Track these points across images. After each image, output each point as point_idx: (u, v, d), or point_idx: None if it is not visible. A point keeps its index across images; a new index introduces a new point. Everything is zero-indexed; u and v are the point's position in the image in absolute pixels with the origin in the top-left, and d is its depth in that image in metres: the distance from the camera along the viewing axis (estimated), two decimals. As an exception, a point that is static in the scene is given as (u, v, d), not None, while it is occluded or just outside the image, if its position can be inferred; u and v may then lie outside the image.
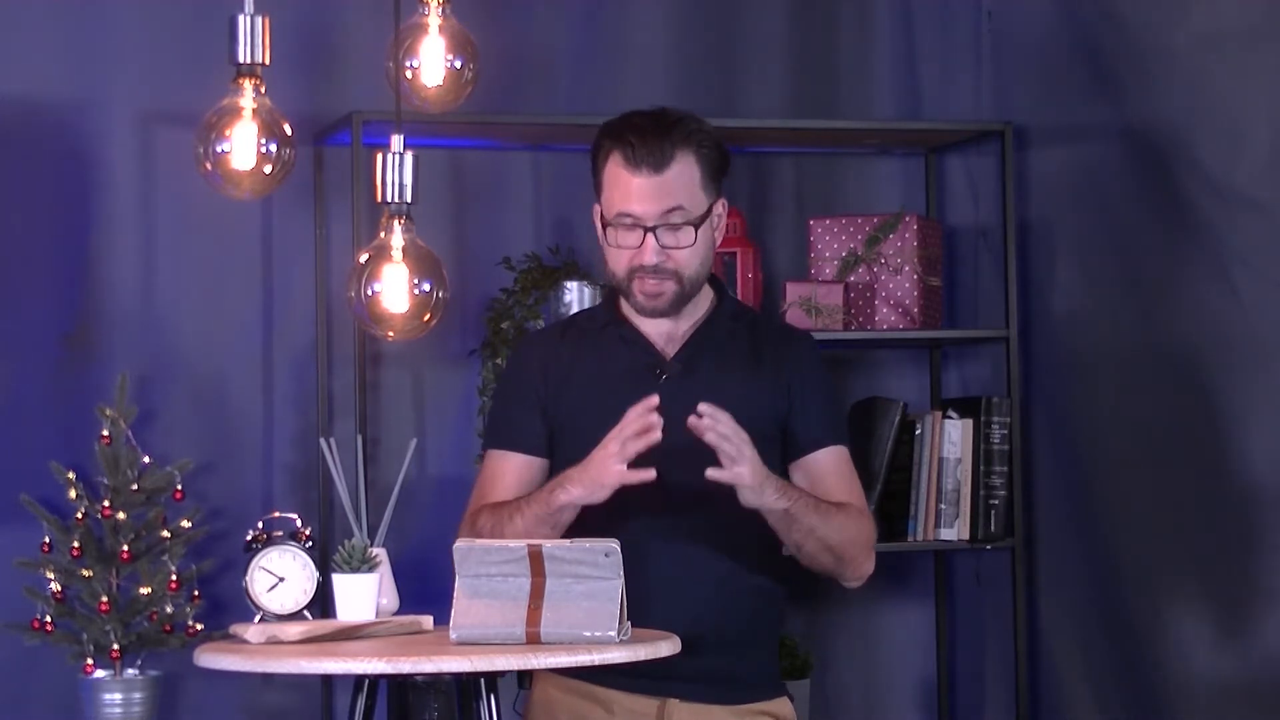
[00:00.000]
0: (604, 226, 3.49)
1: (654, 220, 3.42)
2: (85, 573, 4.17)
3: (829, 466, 3.51)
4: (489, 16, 4.43)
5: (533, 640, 3.09)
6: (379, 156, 3.77)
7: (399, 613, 3.45)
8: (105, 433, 4.21)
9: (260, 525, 3.47)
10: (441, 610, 3.23)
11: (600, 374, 3.45)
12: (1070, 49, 4.70)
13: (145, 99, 4.48)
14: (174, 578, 4.19)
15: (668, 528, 3.44)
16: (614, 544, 3.10)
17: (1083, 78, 4.65)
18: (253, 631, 3.23)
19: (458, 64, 3.96)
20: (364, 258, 3.81)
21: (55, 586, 4.16)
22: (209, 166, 3.62)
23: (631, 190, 3.43)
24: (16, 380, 4.39)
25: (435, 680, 4.12)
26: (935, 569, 4.98)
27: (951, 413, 4.74)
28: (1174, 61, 4.33)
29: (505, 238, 4.74)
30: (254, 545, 3.41)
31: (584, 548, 3.11)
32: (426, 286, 3.79)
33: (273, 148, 3.62)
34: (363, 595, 3.29)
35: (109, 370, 4.35)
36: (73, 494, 4.18)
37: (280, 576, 3.38)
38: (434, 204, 4.48)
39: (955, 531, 4.71)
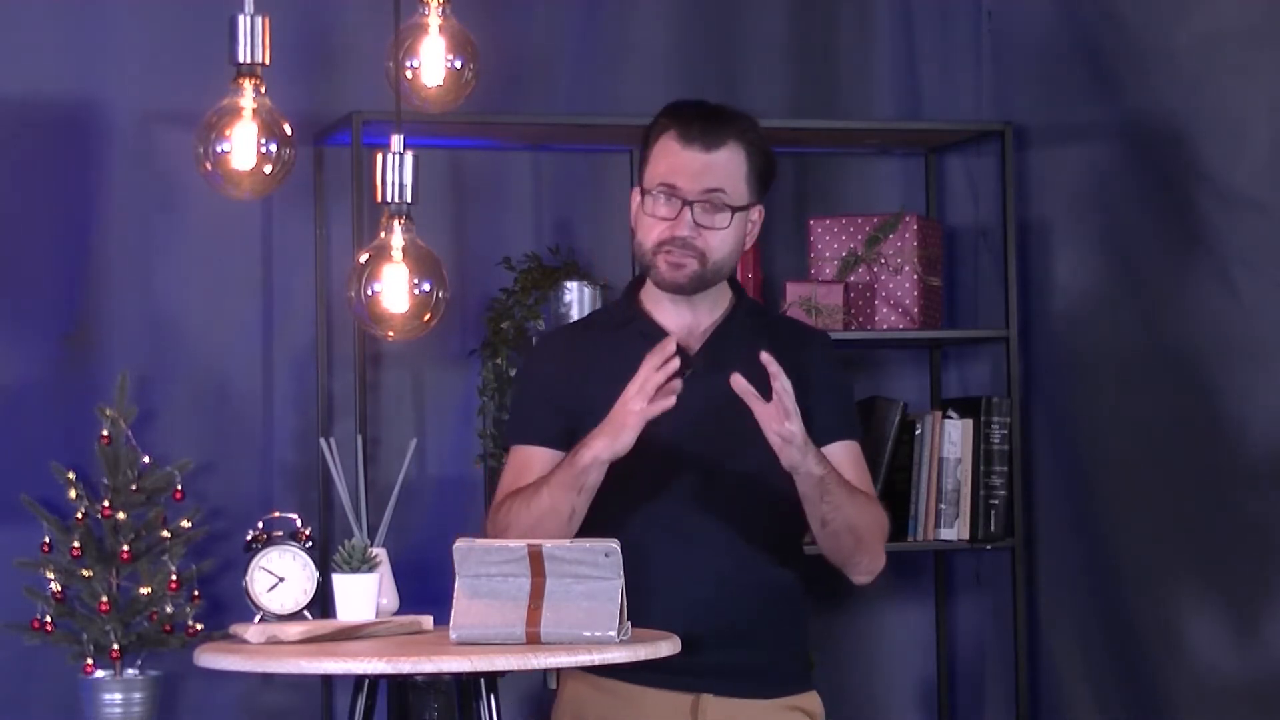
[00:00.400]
0: (641, 198, 3.50)
1: (694, 196, 3.45)
2: (85, 573, 4.17)
3: (842, 460, 3.52)
4: (489, 16, 4.43)
5: (533, 640, 3.09)
6: (379, 156, 3.77)
7: (399, 613, 3.44)
8: (105, 433, 4.21)
9: (260, 525, 3.46)
10: (441, 610, 3.23)
11: (621, 370, 3.44)
12: (1070, 49, 4.70)
13: (145, 99, 4.48)
14: (174, 578, 4.19)
15: (693, 522, 3.44)
16: (614, 544, 3.10)
17: (1083, 78, 4.65)
18: (253, 631, 3.23)
19: (458, 64, 3.96)
20: (364, 258, 3.80)
21: (55, 586, 4.16)
22: (209, 166, 3.62)
23: (679, 162, 3.46)
24: (16, 380, 4.39)
25: (435, 680, 4.12)
26: (935, 569, 4.98)
27: (951, 413, 4.74)
28: (1174, 61, 4.33)
29: (505, 238, 4.74)
30: (254, 545, 3.41)
31: (584, 548, 3.10)
32: (426, 286, 3.79)
33: (273, 148, 3.62)
34: (363, 595, 3.29)
35: (109, 370, 4.35)
36: (73, 494, 4.18)
37: (280, 576, 3.38)
38: (434, 204, 4.48)
39: (955, 531, 4.71)
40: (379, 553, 3.37)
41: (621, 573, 3.10)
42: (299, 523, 3.50)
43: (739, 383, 3.26)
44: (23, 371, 4.40)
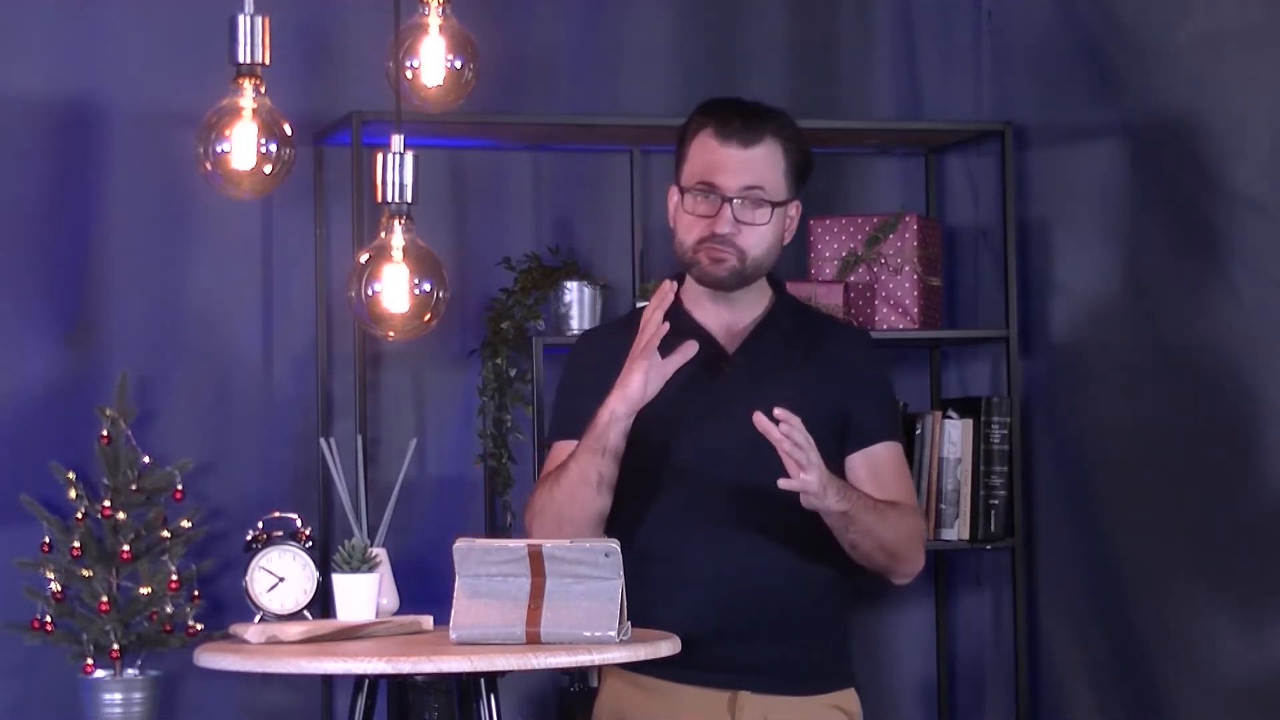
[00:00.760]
0: (682, 195, 3.51)
1: (733, 193, 3.47)
2: (85, 573, 4.17)
3: (882, 462, 3.54)
4: (489, 16, 4.43)
5: (533, 640, 3.09)
6: (379, 156, 3.77)
7: (399, 613, 3.45)
8: (105, 433, 4.21)
9: (260, 525, 3.47)
10: (441, 610, 3.23)
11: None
12: (1070, 49, 4.70)
13: (145, 99, 4.48)
14: (174, 578, 4.19)
15: (728, 518, 3.46)
16: (614, 544, 3.10)
17: (1083, 78, 4.65)
18: (253, 631, 3.23)
19: (458, 64, 3.96)
20: (364, 258, 3.81)
21: (55, 586, 4.16)
22: (209, 166, 3.62)
23: (717, 160, 3.49)
24: (16, 380, 4.39)
25: (435, 680, 4.12)
26: (935, 569, 4.98)
27: (951, 413, 4.74)
28: (1174, 61, 4.33)
29: (505, 238, 4.74)
30: (254, 545, 3.41)
31: (584, 548, 3.11)
32: (426, 286, 3.79)
33: (273, 148, 3.62)
34: (363, 595, 3.29)
35: (109, 370, 4.35)
36: (73, 494, 4.18)
37: (280, 576, 3.38)
38: (434, 204, 4.48)
39: (955, 531, 4.71)
40: (379, 553, 3.37)
41: (621, 572, 3.10)
42: (299, 523, 3.50)
43: (760, 421, 3.28)
44: (23, 371, 4.39)
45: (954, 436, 4.70)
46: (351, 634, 3.27)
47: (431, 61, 3.95)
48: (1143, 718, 4.44)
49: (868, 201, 4.99)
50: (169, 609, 4.19)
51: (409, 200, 3.77)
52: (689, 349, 3.36)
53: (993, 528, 4.71)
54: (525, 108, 4.75)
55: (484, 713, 3.17)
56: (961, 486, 4.70)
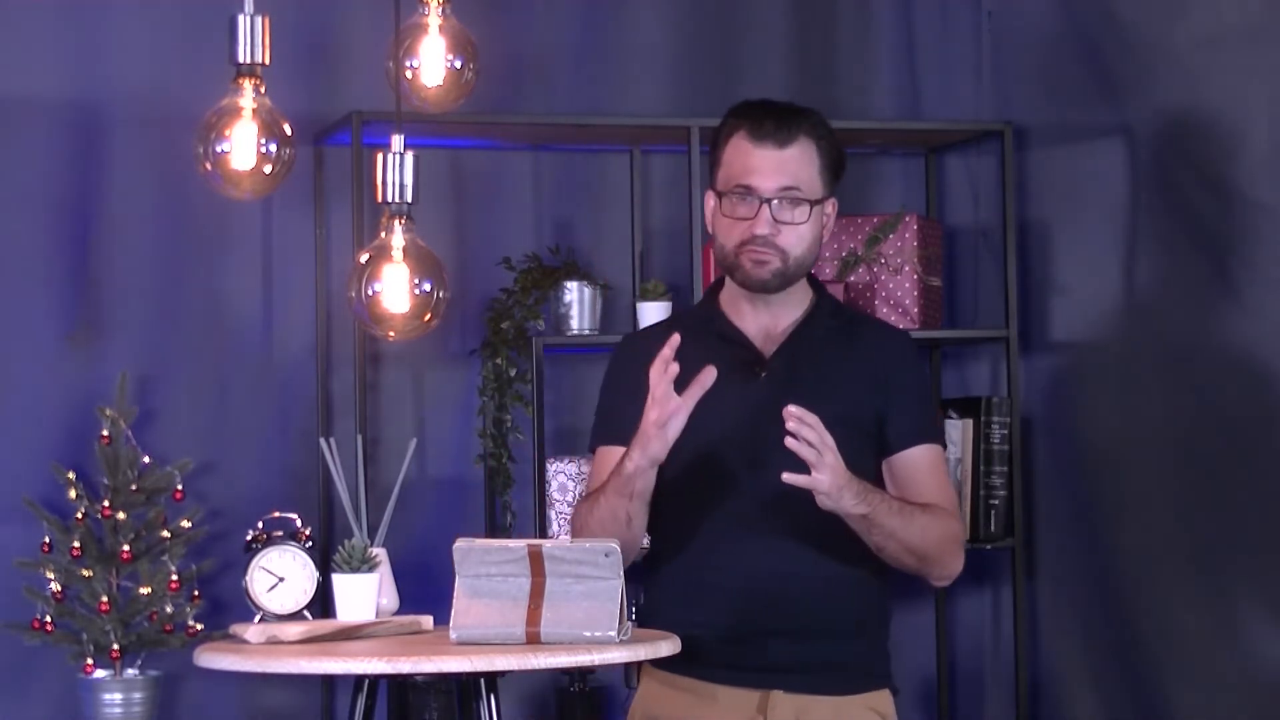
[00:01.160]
0: (719, 199, 3.52)
1: (771, 193, 3.47)
2: (85, 573, 4.17)
3: (920, 465, 3.53)
4: (489, 16, 4.43)
5: (532, 640, 3.09)
6: (379, 156, 3.77)
7: (399, 613, 3.45)
8: (105, 433, 4.21)
9: (260, 525, 3.47)
10: (441, 610, 3.23)
11: (698, 372, 3.44)
12: (1070, 49, 4.70)
13: (146, 99, 4.48)
14: (174, 578, 4.19)
15: (768, 521, 3.46)
16: (614, 544, 3.10)
17: (1083, 78, 4.65)
18: (253, 631, 3.23)
19: (458, 64, 3.96)
20: (364, 258, 3.81)
21: (55, 586, 4.16)
22: (209, 166, 3.62)
23: (753, 162, 3.49)
24: (16, 380, 4.39)
25: (435, 680, 4.12)
26: (935, 569, 4.98)
27: (951, 413, 4.74)
28: (1174, 61, 4.33)
29: (505, 238, 4.74)
30: (254, 545, 3.41)
31: (584, 548, 3.11)
32: (427, 286, 3.79)
33: (273, 148, 3.62)
34: (363, 595, 3.29)
35: (109, 370, 4.35)
36: (73, 494, 4.18)
37: (280, 576, 3.38)
38: (434, 204, 4.48)
39: (955, 531, 4.71)
40: (379, 553, 3.37)
41: (621, 573, 3.10)
42: (299, 523, 3.50)
43: (787, 415, 3.28)
44: (23, 371, 4.39)
45: (954, 436, 4.70)
46: (351, 634, 3.27)
47: (431, 61, 3.95)
48: (1142, 718, 4.44)
49: (868, 201, 4.99)
50: (169, 609, 4.19)
51: (409, 200, 3.78)
52: (707, 378, 3.33)
53: (993, 528, 4.71)
54: (525, 108, 4.75)
55: (484, 713, 3.17)
56: (961, 486, 4.70)
